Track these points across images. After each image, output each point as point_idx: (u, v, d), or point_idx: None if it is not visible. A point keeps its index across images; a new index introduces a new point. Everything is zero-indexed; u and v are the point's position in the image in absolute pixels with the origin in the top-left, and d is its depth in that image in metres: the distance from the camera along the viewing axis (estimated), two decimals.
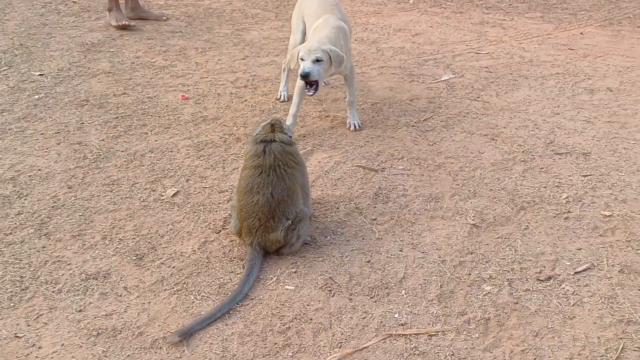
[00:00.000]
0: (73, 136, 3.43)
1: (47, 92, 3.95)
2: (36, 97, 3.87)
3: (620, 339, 2.02)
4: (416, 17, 5.75)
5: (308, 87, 3.15)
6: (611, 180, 2.94)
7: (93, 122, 3.59)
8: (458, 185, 2.95)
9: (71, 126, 3.54)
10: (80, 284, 2.32)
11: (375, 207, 2.80)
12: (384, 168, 3.12)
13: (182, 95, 3.97)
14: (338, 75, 3.50)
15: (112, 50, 4.70)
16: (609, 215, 2.66)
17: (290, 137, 2.57)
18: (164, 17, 5.42)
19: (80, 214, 2.75)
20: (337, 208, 2.80)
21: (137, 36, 4.99)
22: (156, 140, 3.42)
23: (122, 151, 3.31)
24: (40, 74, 4.20)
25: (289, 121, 3.43)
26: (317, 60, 3.06)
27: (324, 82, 4.00)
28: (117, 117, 3.66)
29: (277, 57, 4.66)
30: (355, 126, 3.52)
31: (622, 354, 1.95)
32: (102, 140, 3.41)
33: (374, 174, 3.07)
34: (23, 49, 4.64)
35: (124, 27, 5.05)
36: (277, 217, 2.41)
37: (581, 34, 5.24)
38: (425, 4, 6.20)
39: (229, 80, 4.25)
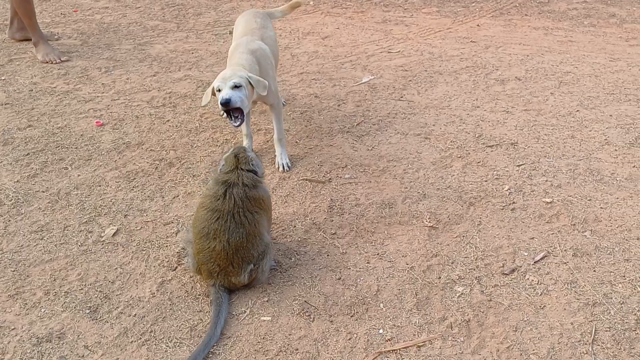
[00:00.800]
0: None
1: None
2: None
3: (591, 321, 2.15)
4: (321, 19, 5.77)
5: (232, 117, 2.69)
6: (543, 167, 3.14)
7: (1, 162, 3.22)
8: (406, 188, 2.99)
9: None
10: (33, 350, 2.06)
11: (332, 220, 2.77)
12: (330, 179, 3.09)
13: (97, 122, 3.67)
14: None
15: (3, 77, 4.24)
16: (550, 202, 2.84)
17: (257, 172, 2.42)
18: (56, 37, 4.98)
19: (13, 269, 2.45)
20: (295, 226, 2.74)
21: (28, 60, 4.55)
22: (79, 175, 3.14)
23: (43, 191, 2.99)
24: None
25: (245, 142, 3.27)
26: (236, 86, 2.67)
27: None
28: (29, 154, 3.31)
29: (189, 71, 4.46)
30: (284, 167, 3.17)
31: (596, 336, 2.09)
32: (17, 181, 3.06)
33: (322, 186, 3.03)
34: None
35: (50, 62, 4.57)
36: (236, 263, 2.28)
37: (478, 25, 5.55)
38: (326, 5, 6.24)
39: (144, 100, 4.00)
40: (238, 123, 2.69)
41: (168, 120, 3.74)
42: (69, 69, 4.41)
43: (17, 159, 3.26)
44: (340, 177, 3.11)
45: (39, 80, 4.23)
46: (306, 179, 3.09)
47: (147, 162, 3.27)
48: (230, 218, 2.25)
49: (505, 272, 2.41)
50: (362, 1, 6.40)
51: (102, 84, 4.21)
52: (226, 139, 3.51)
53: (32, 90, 4.07)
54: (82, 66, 4.48)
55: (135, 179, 3.12)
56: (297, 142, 3.46)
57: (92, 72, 4.38)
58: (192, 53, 4.79)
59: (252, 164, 2.41)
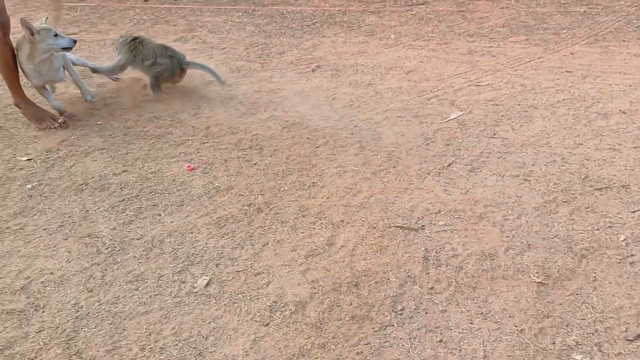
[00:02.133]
0: (80, 228, 3.15)
1: (39, 179, 3.65)
2: (29, 186, 3.58)
3: None
4: (403, 52, 5.68)
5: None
6: None
7: (98, 209, 3.32)
8: (508, 237, 2.79)
9: (75, 216, 3.26)
10: None
11: (429, 273, 2.62)
12: (423, 226, 2.94)
13: (188, 166, 3.74)
14: None
15: (99, 122, 4.43)
16: None
17: None
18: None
19: (109, 322, 2.48)
20: (388, 279, 2.61)
21: (122, 104, 4.74)
22: (172, 222, 3.17)
23: (138, 239, 3.04)
24: (27, 159, 3.90)
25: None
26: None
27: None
28: (124, 200, 3.40)
29: (274, 111, 4.48)
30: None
31: None
32: (113, 228, 3.14)
33: (415, 234, 2.89)
34: (2, 132, 4.33)
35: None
36: None
37: (571, 54, 5.24)
38: (408, 37, 6.15)
39: (232, 142, 4.04)
40: None
41: (255, 164, 3.74)
42: (160, 112, 4.55)
43: (113, 205, 3.35)
44: (434, 224, 2.95)
45: (132, 124, 4.38)
46: (397, 226, 2.96)
47: (237, 208, 3.27)
48: None
49: (630, 338, 2.16)
50: (444, 32, 6.25)
51: (192, 126, 4.30)
52: (313, 182, 3.46)
53: (126, 134, 4.22)
54: (173, 109, 4.61)
55: (225, 225, 3.12)
56: (385, 185, 3.35)
57: (182, 115, 4.50)
58: (276, 93, 4.82)
59: None
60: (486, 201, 3.09)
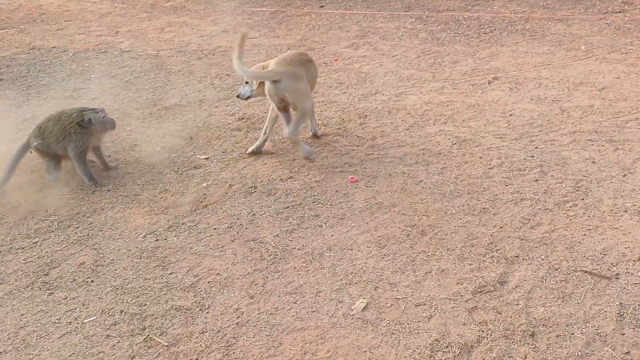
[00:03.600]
0: (246, 231, 3.23)
1: (214, 178, 3.84)
2: (204, 184, 3.78)
3: None
4: (595, 66, 5.06)
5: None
6: None
7: (264, 214, 3.38)
8: None
9: (243, 219, 3.35)
10: None
11: (624, 333, 2.21)
12: (618, 274, 2.52)
13: (351, 178, 3.67)
14: None
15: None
16: None
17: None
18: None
19: (267, 333, 2.47)
20: (572, 334, 2.25)
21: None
22: (332, 235, 3.11)
23: (299, 249, 3.03)
24: (205, 158, 4.14)
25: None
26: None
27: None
28: (288, 207, 3.42)
29: (444, 125, 4.24)
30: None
31: None
32: (276, 235, 3.16)
33: (608, 283, 2.48)
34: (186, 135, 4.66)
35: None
36: None
37: None
38: (602, 49, 5.47)
39: (397, 155, 3.89)
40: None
41: (421, 181, 3.55)
42: (329, 119, 4.56)
43: (278, 211, 3.39)
44: (632, 273, 2.51)
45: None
46: (585, 271, 2.57)
47: (399, 228, 3.11)
48: None
49: None
50: None
51: (358, 136, 4.24)
52: (484, 207, 3.17)
53: None
54: (340, 117, 4.59)
55: (386, 245, 2.98)
56: (571, 220, 2.95)
57: (349, 124, 4.46)
58: (447, 105, 4.57)
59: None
60: None
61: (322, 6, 8.33)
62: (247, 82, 4.11)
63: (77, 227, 3.38)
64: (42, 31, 8.01)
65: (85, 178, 3.80)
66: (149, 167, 4.04)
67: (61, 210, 3.56)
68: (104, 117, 3.78)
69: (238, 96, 4.15)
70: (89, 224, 3.42)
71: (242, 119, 4.70)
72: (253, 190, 3.64)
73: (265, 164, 3.98)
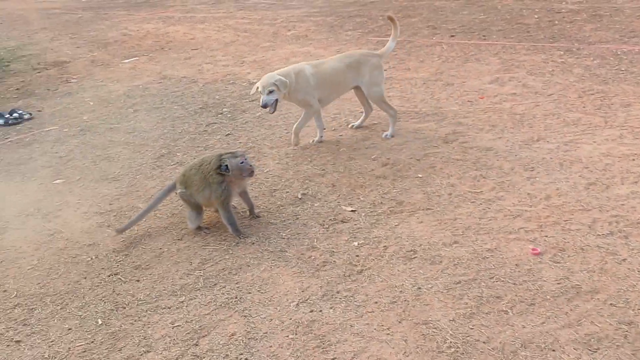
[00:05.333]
0: (414, 310, 2.76)
1: (365, 236, 3.42)
2: (355, 243, 3.37)
3: None
4: None
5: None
6: None
7: (431, 288, 2.90)
8: None
9: (407, 292, 2.89)
10: None
11: None
12: None
13: (533, 249, 3.10)
14: None
15: (419, 175, 4.09)
16: None
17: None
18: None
19: None
20: None
21: (443, 155, 4.34)
22: (524, 327, 2.57)
23: (484, 342, 2.51)
24: (351, 210, 3.74)
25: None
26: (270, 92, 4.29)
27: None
28: (459, 282, 2.92)
29: (636, 186, 3.56)
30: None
31: None
32: (452, 320, 2.67)
33: None
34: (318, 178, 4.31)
35: None
36: None
37: None
38: None
39: (584, 222, 3.27)
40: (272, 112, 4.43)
41: (624, 260, 2.92)
42: (486, 170, 4.02)
43: (448, 286, 2.90)
44: None
45: (456, 181, 3.93)
46: None
47: (610, 324, 2.51)
48: None
49: None
50: None
51: (528, 193, 3.66)
52: None
53: (450, 194, 3.78)
54: (499, 168, 4.04)
55: (598, 349, 2.39)
56: None
57: (513, 176, 3.89)
58: (634, 160, 3.87)
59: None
60: None
61: (452, 35, 7.81)
62: (270, 91, 4.26)
63: (224, 287, 3.09)
64: (171, 60, 8.13)
65: (230, 227, 3.53)
66: (292, 217, 3.71)
67: (206, 264, 3.30)
68: (242, 162, 3.49)
69: (264, 106, 4.29)
70: (236, 283, 3.11)
71: (386, 164, 4.28)
72: (413, 256, 3.18)
73: (422, 222, 3.50)
